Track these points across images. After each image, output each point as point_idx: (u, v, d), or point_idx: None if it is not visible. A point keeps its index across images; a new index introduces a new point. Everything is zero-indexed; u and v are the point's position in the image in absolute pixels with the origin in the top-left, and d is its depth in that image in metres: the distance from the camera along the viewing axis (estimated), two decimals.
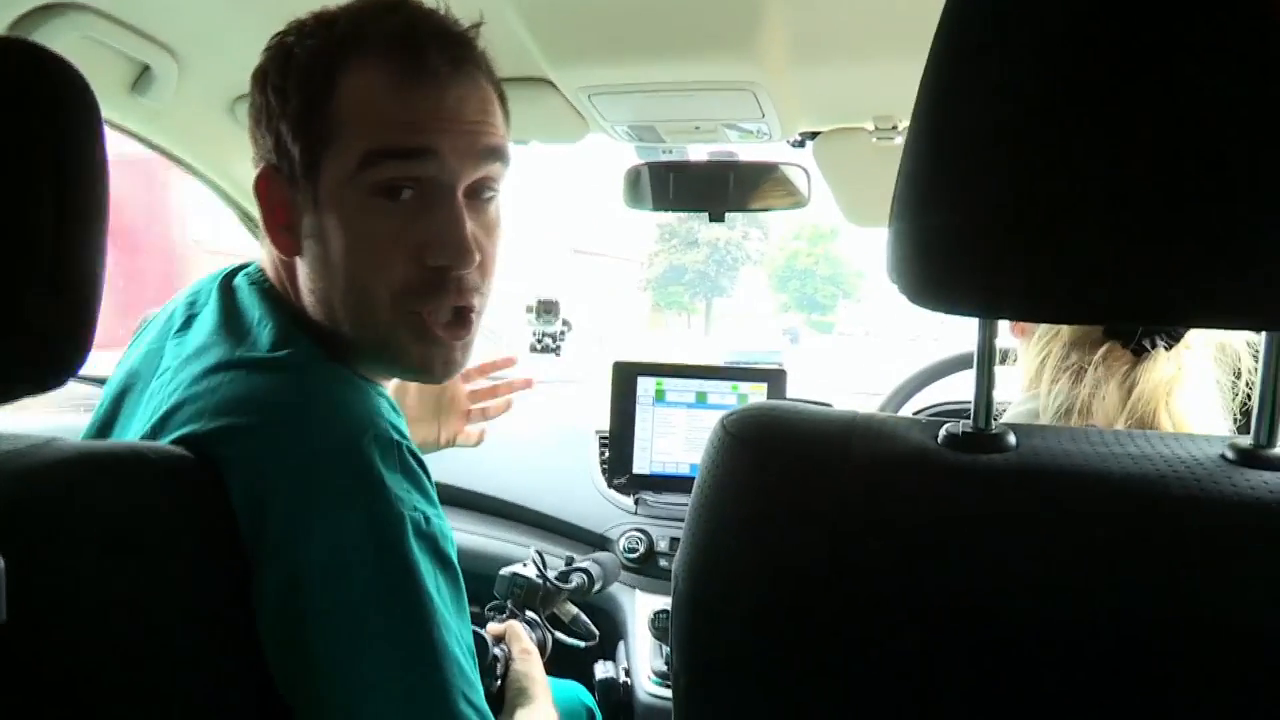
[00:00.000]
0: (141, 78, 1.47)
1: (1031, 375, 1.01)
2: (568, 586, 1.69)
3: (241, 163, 1.85)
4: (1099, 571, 0.55)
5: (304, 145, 0.91)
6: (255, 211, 1.94)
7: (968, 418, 0.64)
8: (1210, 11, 0.48)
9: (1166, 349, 0.94)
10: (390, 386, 1.03)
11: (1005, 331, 1.12)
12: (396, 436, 0.86)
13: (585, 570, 1.75)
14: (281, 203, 0.94)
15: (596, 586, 1.78)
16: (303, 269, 0.95)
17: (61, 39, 1.25)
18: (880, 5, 1.25)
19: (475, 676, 0.86)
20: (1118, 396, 0.93)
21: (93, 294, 0.64)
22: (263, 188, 0.95)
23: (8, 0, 1.22)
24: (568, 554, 1.85)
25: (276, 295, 0.98)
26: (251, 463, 0.81)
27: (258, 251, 1.05)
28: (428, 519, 0.85)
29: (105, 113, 0.66)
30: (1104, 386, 0.93)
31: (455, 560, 0.88)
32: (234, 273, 1.02)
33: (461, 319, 0.97)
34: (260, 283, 0.99)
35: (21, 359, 0.61)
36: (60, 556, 0.68)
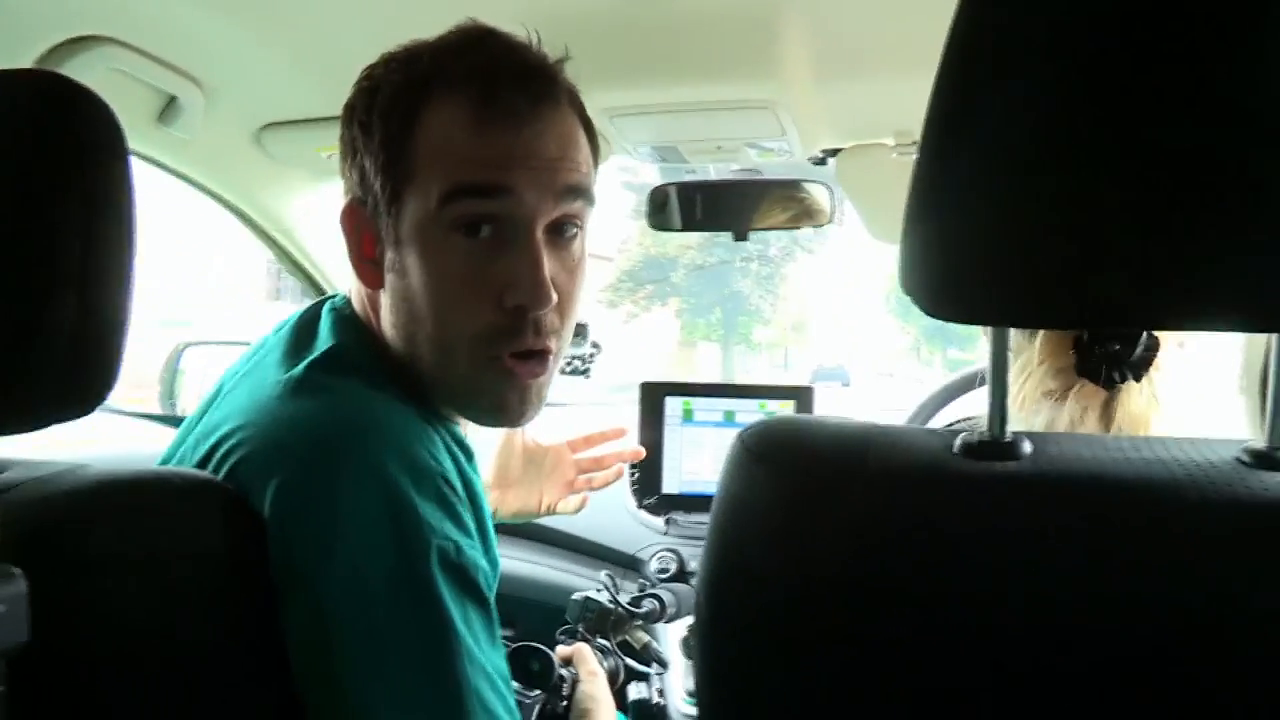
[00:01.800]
0: (168, 109, 1.50)
1: (1015, 399, 1.01)
2: (639, 611, 1.69)
3: (270, 191, 1.88)
4: (1115, 575, 0.55)
5: (386, 180, 0.91)
6: (284, 240, 1.98)
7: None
8: (1219, 21, 0.48)
9: (1136, 380, 0.94)
10: (493, 454, 1.02)
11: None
12: (434, 464, 0.86)
13: (657, 596, 1.75)
14: (366, 236, 0.95)
15: (669, 614, 1.77)
16: (385, 302, 0.96)
17: (90, 71, 1.28)
18: (898, 22, 1.25)
19: (502, 707, 0.85)
20: (1098, 428, 0.94)
21: (120, 324, 0.65)
22: (349, 221, 0.97)
23: (37, 34, 1.25)
24: (642, 580, 1.85)
25: (355, 322, 0.98)
26: (282, 490, 0.81)
27: None
28: (458, 548, 0.84)
29: (132, 144, 0.67)
30: (1086, 417, 0.94)
31: (488, 591, 0.87)
32: (320, 304, 1.03)
33: (539, 357, 0.96)
34: (341, 310, 1.00)
35: (49, 388, 0.63)
36: (82, 582, 0.69)
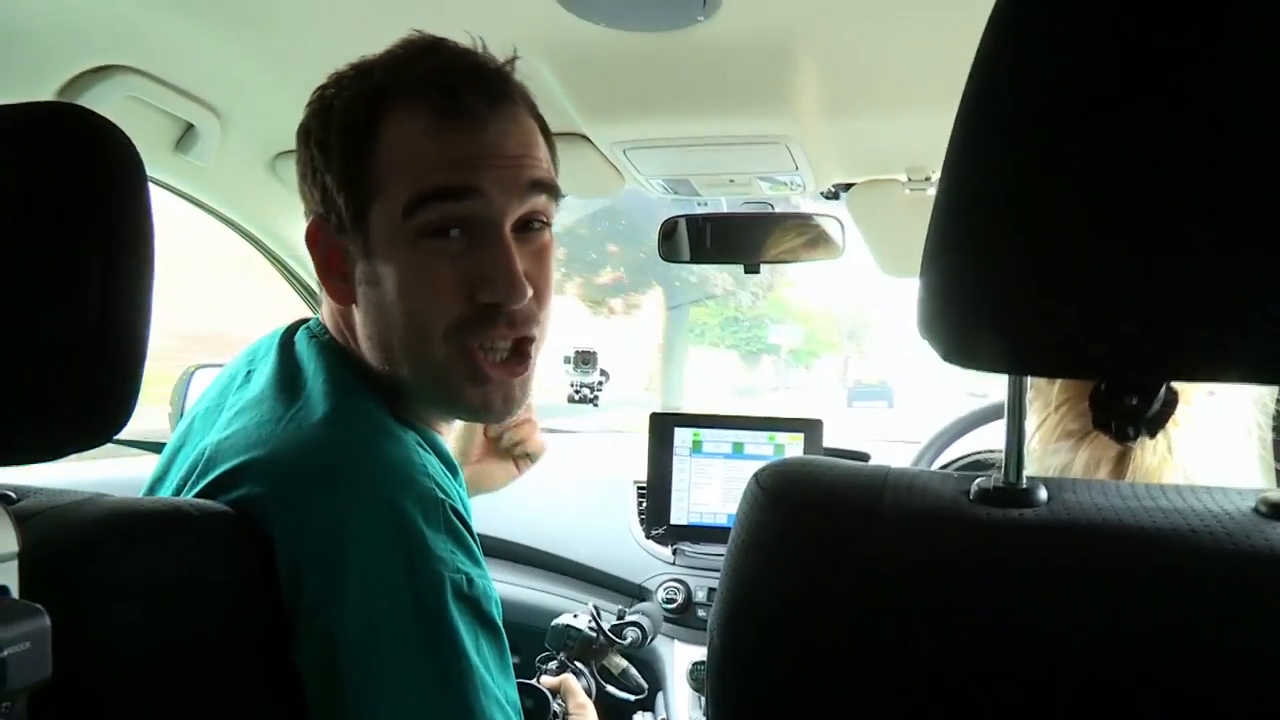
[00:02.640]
0: (185, 136, 1.51)
1: (1033, 438, 1.01)
2: (622, 641, 1.69)
3: (284, 218, 1.89)
4: (1130, 627, 0.55)
5: (350, 197, 0.91)
6: (298, 267, 1.99)
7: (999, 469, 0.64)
8: (1239, 52, 0.48)
9: (1150, 437, 0.94)
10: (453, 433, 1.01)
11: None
12: (441, 495, 0.85)
13: (639, 624, 1.75)
14: (333, 253, 0.95)
15: (649, 640, 1.77)
16: (359, 316, 0.95)
17: (109, 100, 1.29)
18: (911, 58, 1.26)
19: None
20: (1110, 479, 0.94)
21: (138, 352, 0.66)
22: (313, 239, 0.96)
23: (58, 65, 1.27)
24: (619, 607, 1.85)
25: (334, 348, 0.98)
26: (293, 521, 0.81)
27: None
28: (470, 580, 0.84)
29: (150, 172, 0.67)
30: (1100, 468, 0.94)
31: (499, 621, 0.87)
32: (294, 328, 1.03)
33: (519, 352, 0.96)
34: (319, 335, 0.99)
35: (68, 415, 0.63)
36: (101, 611, 0.69)
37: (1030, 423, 1.02)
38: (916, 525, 0.62)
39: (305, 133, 0.95)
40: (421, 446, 0.91)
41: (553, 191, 0.96)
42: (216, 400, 1.01)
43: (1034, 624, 0.57)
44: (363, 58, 0.95)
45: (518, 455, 1.36)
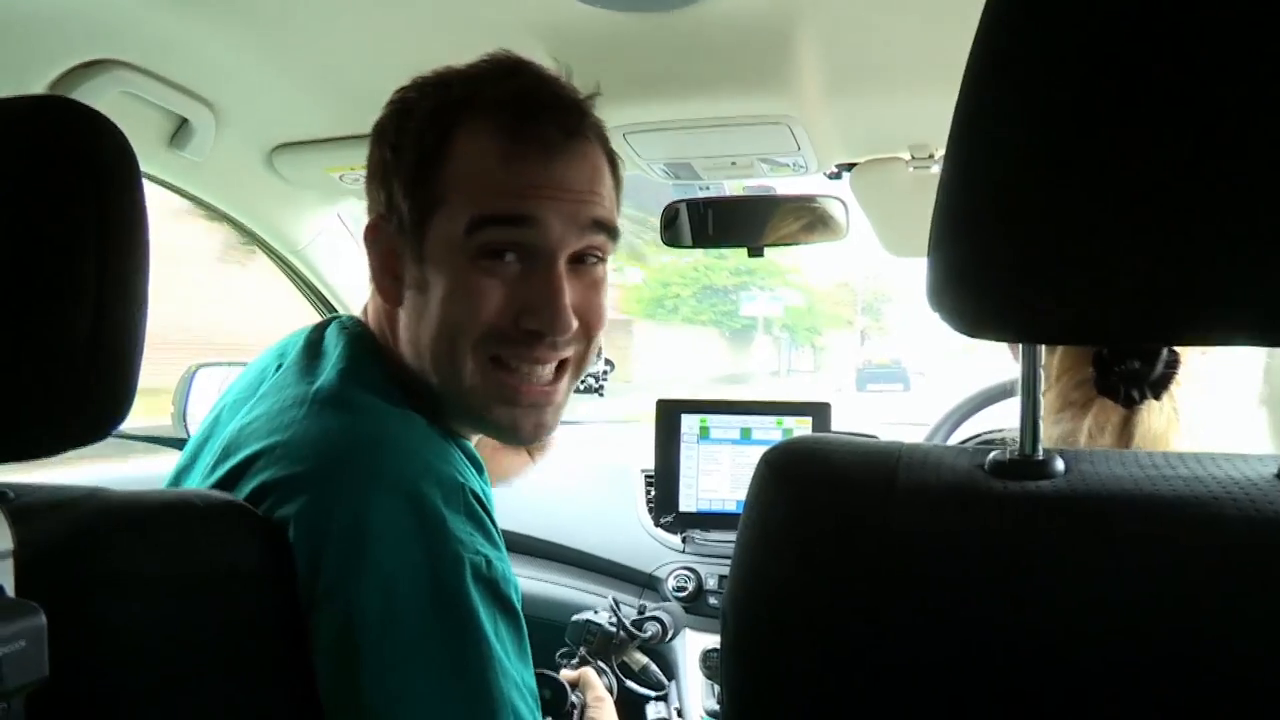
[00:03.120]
0: (180, 131, 1.51)
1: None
2: (643, 635, 1.69)
3: (282, 213, 1.89)
4: (1153, 596, 0.54)
5: (414, 203, 0.92)
6: (297, 262, 1.98)
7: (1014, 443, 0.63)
8: (1254, 25, 0.47)
9: (1156, 399, 0.94)
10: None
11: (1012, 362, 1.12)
12: (460, 480, 0.86)
13: (659, 619, 1.75)
14: (389, 253, 0.96)
15: (669, 636, 1.78)
16: (403, 318, 0.97)
17: (102, 95, 1.29)
18: (913, 35, 1.25)
19: None
20: (1115, 446, 0.94)
21: (134, 347, 0.65)
22: (372, 237, 0.98)
23: (50, 59, 1.26)
24: (641, 602, 1.85)
25: (364, 341, 0.98)
26: (311, 506, 0.81)
27: None
28: (489, 562, 0.84)
29: (144, 167, 0.67)
30: (1104, 433, 0.94)
31: (518, 605, 0.88)
32: (326, 323, 1.04)
33: (559, 374, 0.98)
34: (351, 329, 1.00)
35: (64, 412, 0.62)
36: (105, 606, 0.68)
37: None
38: (932, 500, 0.61)
39: (380, 133, 0.97)
40: (443, 437, 0.92)
41: (613, 233, 0.97)
42: (246, 393, 1.01)
43: (1056, 597, 0.56)
44: (447, 66, 0.96)
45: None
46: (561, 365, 0.98)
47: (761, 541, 0.66)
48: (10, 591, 0.60)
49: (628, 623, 1.66)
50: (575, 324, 0.93)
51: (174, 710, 0.72)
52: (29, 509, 0.70)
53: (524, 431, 0.98)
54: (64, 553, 0.68)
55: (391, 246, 0.96)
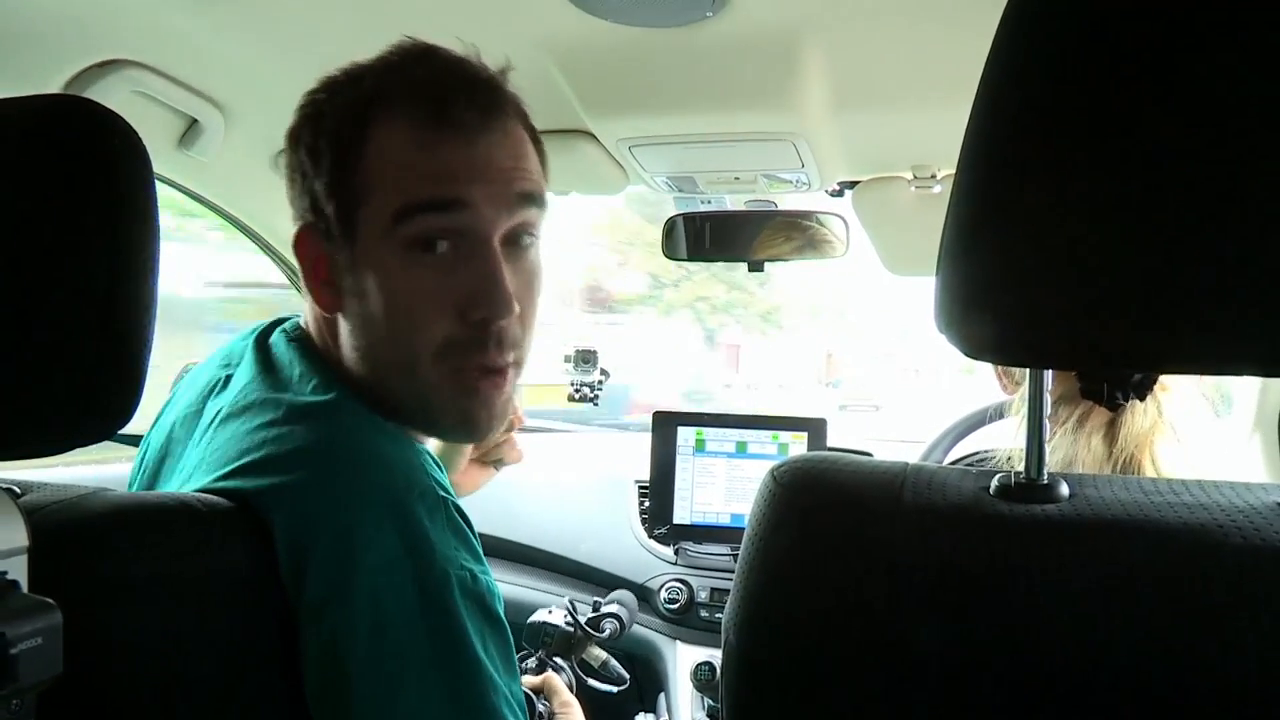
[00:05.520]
0: (189, 132, 1.51)
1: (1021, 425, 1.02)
2: (600, 635, 1.68)
3: (284, 215, 1.86)
4: (1156, 624, 0.54)
5: (338, 204, 0.90)
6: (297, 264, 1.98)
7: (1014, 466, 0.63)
8: (1248, 52, 0.48)
9: (1140, 400, 0.95)
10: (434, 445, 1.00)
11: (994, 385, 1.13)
12: (442, 493, 0.85)
13: (616, 616, 1.75)
14: (320, 259, 0.94)
15: (627, 630, 1.77)
16: (344, 325, 0.94)
17: (114, 95, 1.29)
18: (918, 56, 1.25)
19: None
20: (1102, 447, 0.95)
21: (143, 345, 0.65)
22: (301, 245, 0.95)
23: (64, 59, 1.27)
24: (595, 599, 1.84)
25: (315, 350, 0.97)
26: (295, 518, 0.80)
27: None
28: (474, 576, 0.83)
29: (154, 167, 0.67)
30: (1092, 439, 0.95)
31: (503, 617, 0.87)
32: (268, 329, 1.02)
33: (502, 372, 0.95)
34: (299, 338, 0.98)
35: (73, 410, 0.62)
36: (108, 606, 0.68)
37: (1015, 411, 1.03)
38: (938, 523, 0.61)
39: (295, 138, 0.94)
40: (418, 446, 0.91)
41: (542, 203, 0.95)
42: (194, 405, 1.00)
43: (1061, 623, 0.56)
44: (354, 63, 0.94)
45: (493, 461, 1.35)
46: (506, 368, 0.95)
47: (767, 560, 0.66)
48: (24, 588, 0.60)
49: (583, 622, 1.66)
50: (518, 307, 0.91)
51: (173, 710, 0.72)
52: (38, 506, 0.70)
53: (478, 424, 0.96)
54: (73, 552, 0.68)
55: (322, 252, 0.93)
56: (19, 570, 0.60)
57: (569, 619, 1.65)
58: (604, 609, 1.78)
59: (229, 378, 0.98)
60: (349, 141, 0.89)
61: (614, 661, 1.71)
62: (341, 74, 0.94)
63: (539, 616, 1.67)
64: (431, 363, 0.91)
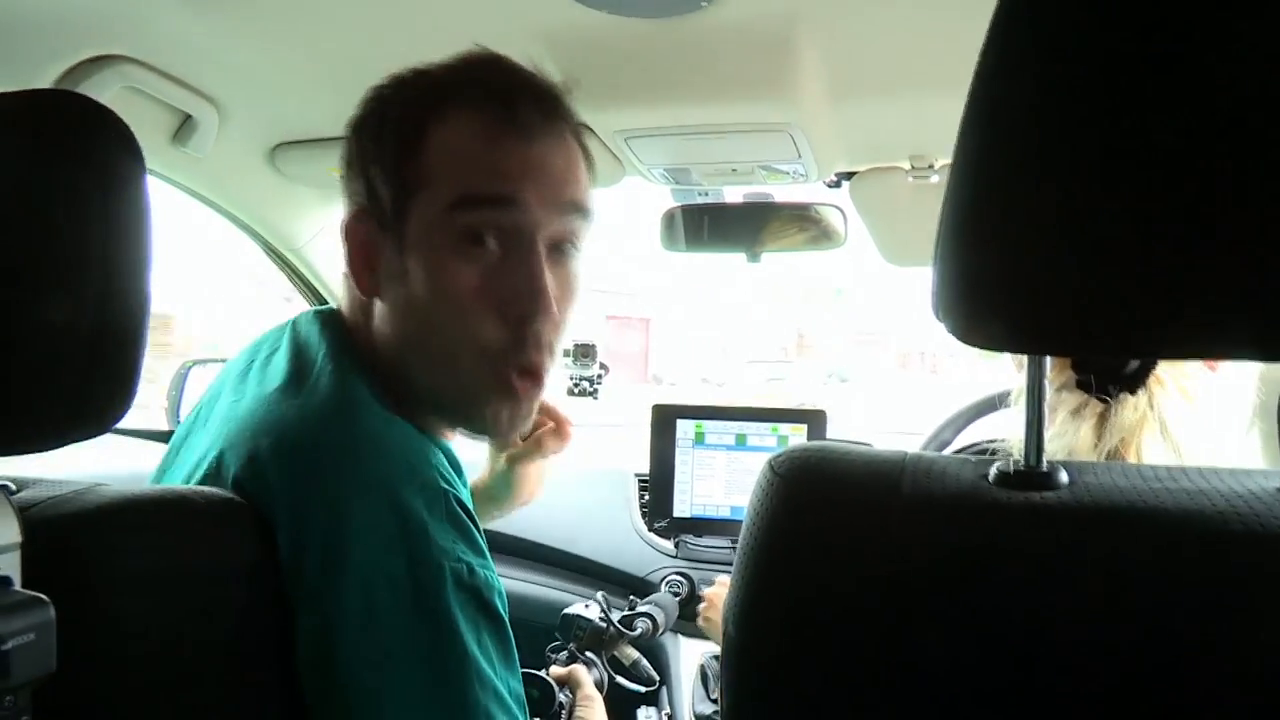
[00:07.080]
0: (183, 128, 1.51)
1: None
2: (632, 632, 1.69)
3: (282, 210, 1.89)
4: (1156, 610, 0.54)
5: (395, 189, 0.93)
6: (296, 260, 1.98)
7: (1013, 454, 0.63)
8: (1246, 40, 0.47)
9: (1131, 394, 0.95)
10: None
11: (1009, 369, 1.14)
12: (444, 485, 0.85)
13: (650, 615, 1.75)
14: (368, 244, 0.96)
15: (660, 632, 1.77)
16: (381, 311, 0.97)
17: (107, 90, 1.29)
18: (916, 45, 1.25)
19: None
20: (1092, 437, 0.96)
21: (137, 341, 0.65)
22: (351, 228, 0.97)
23: (56, 54, 1.26)
24: (631, 597, 1.84)
25: (344, 335, 0.98)
26: (295, 508, 0.81)
27: None
28: (471, 569, 0.84)
29: (147, 163, 0.67)
30: (1082, 428, 0.95)
31: (503, 611, 0.87)
32: (305, 317, 1.03)
33: (535, 375, 0.97)
34: (330, 323, 1.00)
35: (67, 406, 0.62)
36: (104, 601, 0.68)
37: (1014, 402, 1.03)
38: (938, 511, 0.61)
39: (357, 126, 0.98)
40: (432, 441, 0.92)
41: (588, 215, 0.98)
42: (224, 390, 1.01)
43: (1061, 609, 0.56)
44: (422, 64, 0.97)
45: (535, 455, 1.39)
46: (540, 370, 0.98)
47: (767, 551, 0.66)
48: (17, 584, 0.60)
49: (616, 619, 1.66)
50: (555, 308, 0.94)
51: (172, 704, 0.72)
52: (32, 502, 0.70)
53: (503, 423, 0.98)
54: (68, 547, 0.68)
55: (371, 238, 0.96)
56: (12, 566, 0.60)
57: (602, 615, 1.66)
58: (640, 608, 1.78)
59: (252, 364, 1.00)
60: (414, 129, 0.92)
61: (644, 662, 1.72)
62: (409, 72, 0.97)
63: (573, 609, 1.68)
64: (475, 362, 0.93)
